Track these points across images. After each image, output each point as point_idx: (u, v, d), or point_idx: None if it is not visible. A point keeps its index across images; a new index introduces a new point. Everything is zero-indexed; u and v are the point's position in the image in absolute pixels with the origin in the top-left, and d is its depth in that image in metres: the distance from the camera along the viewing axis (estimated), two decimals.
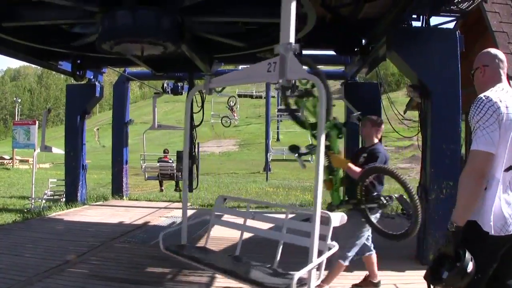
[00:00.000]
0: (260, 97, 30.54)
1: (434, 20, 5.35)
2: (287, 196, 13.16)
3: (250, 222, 3.46)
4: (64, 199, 9.66)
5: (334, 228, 2.76)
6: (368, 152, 3.76)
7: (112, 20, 4.08)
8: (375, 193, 3.51)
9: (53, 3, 4.08)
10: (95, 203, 9.60)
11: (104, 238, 5.97)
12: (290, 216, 3.42)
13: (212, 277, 4.28)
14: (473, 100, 2.09)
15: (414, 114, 6.98)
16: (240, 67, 10.06)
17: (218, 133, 44.05)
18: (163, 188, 13.26)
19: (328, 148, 3.42)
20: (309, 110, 3.42)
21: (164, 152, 13.04)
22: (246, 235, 3.47)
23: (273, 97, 26.45)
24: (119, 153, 10.81)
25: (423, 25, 5.18)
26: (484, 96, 2.05)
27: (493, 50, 2.25)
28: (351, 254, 3.67)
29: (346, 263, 3.68)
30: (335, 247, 2.72)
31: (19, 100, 61.09)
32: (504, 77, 2.19)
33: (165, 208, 9.29)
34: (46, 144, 10.14)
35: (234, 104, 24.98)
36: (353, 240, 3.67)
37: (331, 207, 3.60)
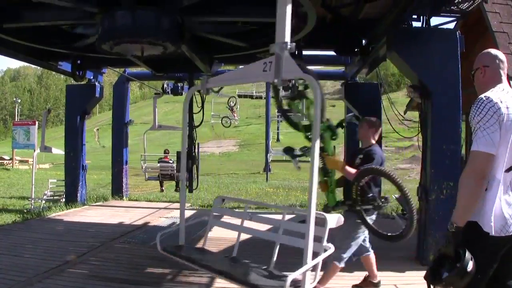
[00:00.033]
0: (260, 97, 30.58)
1: (435, 21, 5.37)
2: (287, 196, 13.10)
3: (248, 223, 3.45)
4: (64, 200, 9.66)
5: (331, 229, 2.74)
6: (364, 154, 3.73)
7: (111, 21, 4.09)
8: (371, 195, 3.48)
9: (53, 4, 4.09)
10: (95, 204, 9.61)
11: (104, 239, 5.97)
12: (289, 217, 3.41)
13: (212, 278, 4.27)
14: (473, 100, 2.08)
15: (415, 115, 6.96)
16: (240, 67, 10.04)
17: (218, 134, 44.02)
18: (163, 188, 13.30)
19: (322, 149, 3.38)
20: (302, 112, 3.40)
21: (165, 152, 13.05)
22: (244, 236, 3.46)
23: (273, 97, 26.37)
24: (119, 154, 10.81)
25: (424, 26, 5.18)
26: (484, 96, 2.05)
27: (493, 51, 2.25)
28: (346, 255, 3.65)
29: (342, 264, 3.66)
30: (331, 249, 2.70)
31: (19, 101, 60.99)
32: (504, 78, 2.19)
33: (165, 208, 9.28)
34: (46, 145, 10.13)
35: (234, 105, 25.02)
36: (348, 241, 3.66)
37: (327, 208, 3.59)
